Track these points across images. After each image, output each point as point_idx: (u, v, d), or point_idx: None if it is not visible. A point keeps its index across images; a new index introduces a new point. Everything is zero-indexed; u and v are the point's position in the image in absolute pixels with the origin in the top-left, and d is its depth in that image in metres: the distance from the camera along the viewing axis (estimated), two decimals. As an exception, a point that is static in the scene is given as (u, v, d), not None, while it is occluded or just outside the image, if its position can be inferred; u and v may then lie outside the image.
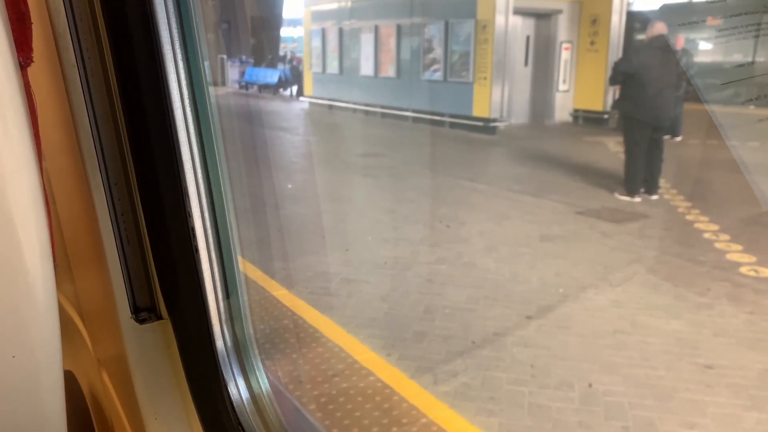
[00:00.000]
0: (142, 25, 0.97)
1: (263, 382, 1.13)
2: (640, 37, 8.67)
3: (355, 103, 15.38)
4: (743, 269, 4.68)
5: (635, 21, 11.35)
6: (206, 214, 1.04)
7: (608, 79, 7.65)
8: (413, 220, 6.40)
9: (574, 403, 3.04)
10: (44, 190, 0.87)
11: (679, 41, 8.26)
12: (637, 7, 12.32)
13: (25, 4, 0.87)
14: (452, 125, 12.50)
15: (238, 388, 1.11)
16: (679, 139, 9.33)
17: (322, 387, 3.16)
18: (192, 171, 1.01)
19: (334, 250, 5.37)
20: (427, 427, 2.84)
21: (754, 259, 4.84)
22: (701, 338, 3.72)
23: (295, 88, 19.18)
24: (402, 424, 2.85)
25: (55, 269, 0.90)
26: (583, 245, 5.47)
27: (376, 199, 7.48)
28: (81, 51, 1.00)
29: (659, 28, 6.79)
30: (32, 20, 0.89)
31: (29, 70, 0.89)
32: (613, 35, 11.69)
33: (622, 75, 6.98)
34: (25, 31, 0.88)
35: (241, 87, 19.76)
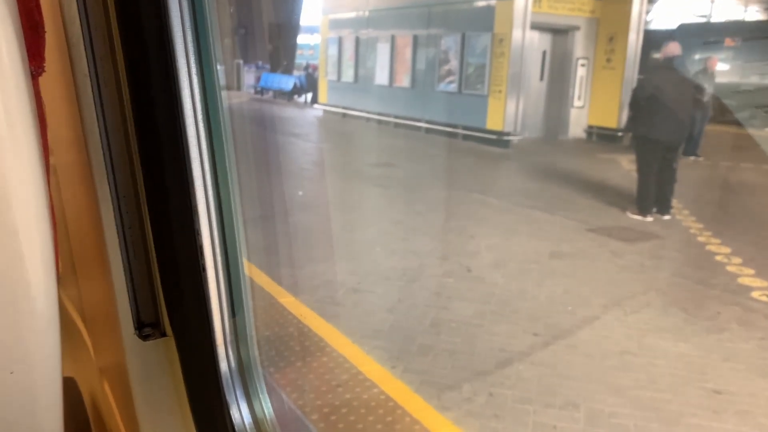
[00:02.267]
0: (157, 37, 0.96)
1: (267, 407, 1.11)
2: (657, 55, 8.65)
3: (368, 112, 15.41)
4: (755, 294, 4.63)
5: (652, 40, 11.33)
6: (215, 232, 1.02)
7: (629, 105, 7.61)
8: (422, 232, 6.39)
9: (579, 424, 3.01)
10: (50, 201, 0.86)
11: (713, 63, 8.23)
12: (654, 26, 12.29)
13: (39, 12, 0.87)
14: (465, 137, 12.49)
15: (240, 413, 1.09)
16: (701, 159, 9.29)
17: (325, 397, 3.14)
18: (202, 188, 1.00)
19: (341, 259, 5.36)
20: (430, 443, 2.82)
21: (766, 283, 4.79)
22: (710, 363, 3.67)
23: (309, 95, 19.27)
24: (404, 439, 2.83)
25: (58, 278, 0.89)
26: (593, 264, 5.43)
27: (386, 210, 7.47)
28: (94, 61, 0.99)
29: (672, 49, 6.77)
30: (46, 29, 0.89)
31: (40, 79, 0.89)
32: (629, 53, 11.66)
33: (644, 99, 6.93)
34: (38, 40, 0.87)
35: (256, 92, 19.87)
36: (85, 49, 0.98)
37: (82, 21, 0.97)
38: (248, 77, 19.94)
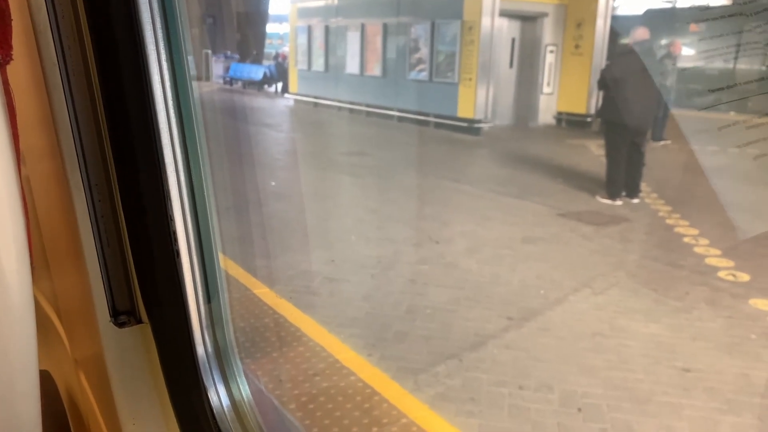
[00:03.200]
0: (126, 23, 0.95)
1: (244, 389, 1.12)
2: (625, 41, 8.74)
3: (340, 101, 15.35)
4: (721, 273, 4.73)
5: (620, 25, 11.43)
6: (188, 218, 1.02)
7: (597, 82, 7.72)
8: (396, 219, 6.41)
9: (553, 405, 3.06)
10: (22, 190, 0.85)
11: (677, 47, 8.33)
12: (622, 12, 12.41)
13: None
14: (437, 125, 12.52)
15: (218, 395, 1.09)
16: (669, 142, 9.42)
17: (302, 386, 3.15)
18: (174, 173, 0.99)
19: (316, 249, 5.36)
20: (407, 428, 2.84)
21: (732, 263, 4.90)
22: (679, 342, 3.75)
23: (280, 85, 19.11)
24: (382, 424, 2.85)
25: (32, 269, 0.88)
26: (564, 248, 5.50)
27: (360, 198, 7.47)
28: (62, 49, 0.98)
29: (641, 33, 6.85)
30: (12, 17, 0.87)
31: (8, 68, 0.88)
32: (597, 39, 11.76)
33: (611, 81, 7.01)
34: (5, 28, 0.86)
35: (225, 82, 19.64)
36: (53, 37, 0.96)
37: (48, 8, 0.95)
38: (217, 67, 19.70)
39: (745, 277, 4.66)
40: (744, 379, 3.32)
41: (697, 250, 5.26)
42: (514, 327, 3.88)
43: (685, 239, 5.52)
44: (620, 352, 3.57)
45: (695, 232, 5.68)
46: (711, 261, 4.99)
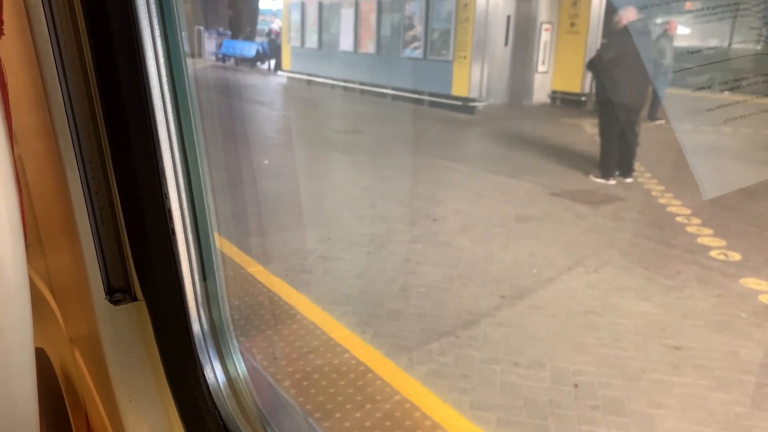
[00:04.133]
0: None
1: (240, 366, 1.13)
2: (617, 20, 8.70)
3: (333, 79, 15.25)
4: (713, 253, 4.76)
5: (616, 3, 11.35)
6: (183, 195, 1.02)
7: (586, 64, 7.70)
8: (390, 198, 6.40)
9: (545, 382, 3.09)
10: (15, 168, 0.85)
11: (673, 26, 8.30)
12: (617, -11, 12.31)
13: None
14: (431, 104, 12.46)
15: (214, 372, 1.10)
16: (661, 122, 9.42)
17: (297, 364, 3.16)
18: (169, 150, 0.99)
19: (310, 227, 5.36)
20: (401, 405, 2.86)
21: (723, 243, 4.92)
22: (670, 320, 3.78)
23: (272, 62, 18.96)
24: (375, 401, 2.87)
25: (26, 248, 0.88)
26: (557, 226, 5.51)
27: (354, 176, 7.46)
28: (54, 23, 0.96)
29: (629, 14, 6.81)
30: None
31: None
32: (593, 17, 11.69)
33: (607, 60, 6.97)
34: None
35: (218, 59, 19.47)
36: (44, 11, 0.95)
37: None
38: (209, 44, 19.51)
39: (736, 256, 4.69)
40: (734, 356, 3.35)
41: (689, 229, 5.28)
42: (507, 305, 3.90)
43: (678, 218, 5.55)
44: (612, 330, 3.60)
45: (687, 211, 5.70)
46: (703, 240, 5.02)
